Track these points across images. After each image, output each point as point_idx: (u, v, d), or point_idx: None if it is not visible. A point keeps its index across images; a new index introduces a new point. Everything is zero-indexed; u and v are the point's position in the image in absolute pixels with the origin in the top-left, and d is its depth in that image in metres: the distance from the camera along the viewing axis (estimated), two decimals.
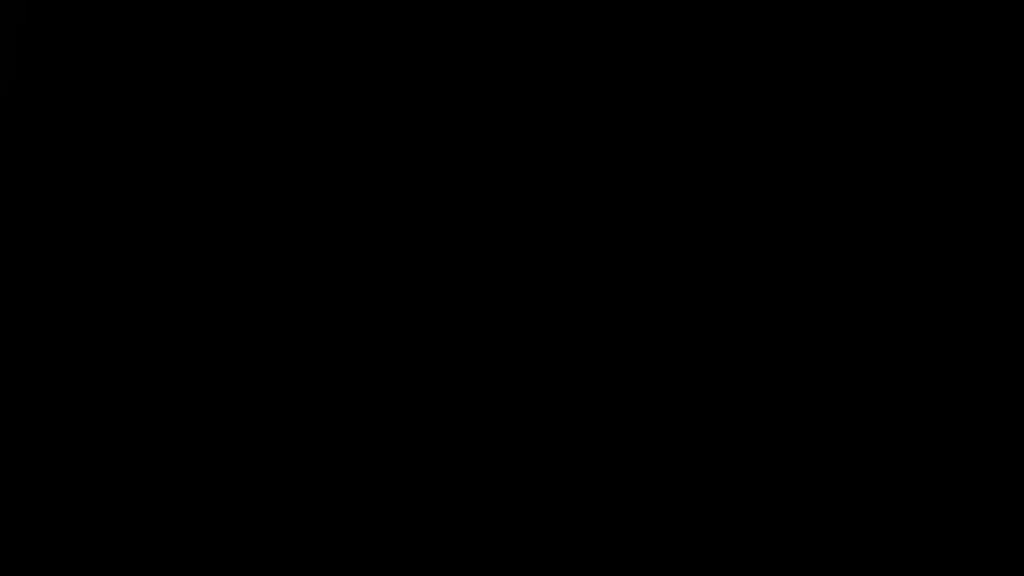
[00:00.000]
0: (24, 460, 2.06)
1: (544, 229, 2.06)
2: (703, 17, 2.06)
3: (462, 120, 2.08)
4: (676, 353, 2.03)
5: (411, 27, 2.10)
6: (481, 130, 2.08)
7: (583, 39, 2.08)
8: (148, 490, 2.05)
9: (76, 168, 2.10)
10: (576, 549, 2.01)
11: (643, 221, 2.06)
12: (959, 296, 2.01)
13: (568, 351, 2.04)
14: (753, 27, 2.06)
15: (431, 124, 2.09)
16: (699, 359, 2.03)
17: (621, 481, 2.02)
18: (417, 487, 2.04)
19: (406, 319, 2.06)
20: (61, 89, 2.12)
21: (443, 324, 2.06)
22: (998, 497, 1.98)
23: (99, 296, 2.08)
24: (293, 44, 2.10)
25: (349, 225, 2.08)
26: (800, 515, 1.99)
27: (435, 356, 2.05)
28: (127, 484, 2.05)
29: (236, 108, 2.10)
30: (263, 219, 2.08)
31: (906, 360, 2.01)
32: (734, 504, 2.00)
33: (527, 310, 2.05)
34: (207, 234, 2.08)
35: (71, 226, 2.09)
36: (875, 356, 2.01)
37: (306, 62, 2.10)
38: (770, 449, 2.01)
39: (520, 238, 2.06)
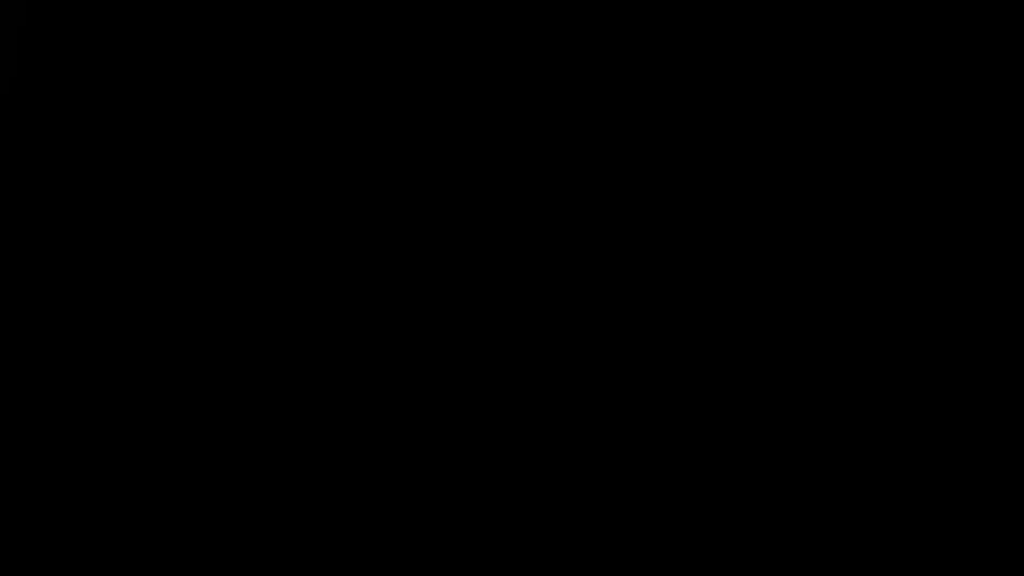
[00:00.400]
0: (24, 460, 2.06)
1: (544, 229, 2.06)
2: (703, 17, 2.06)
3: (462, 120, 2.08)
4: (676, 353, 2.03)
5: (411, 27, 2.10)
6: (481, 130, 2.08)
7: (583, 39, 2.08)
8: (148, 490, 2.05)
9: (76, 168, 2.10)
10: (576, 549, 2.01)
11: (643, 221, 2.06)
12: (959, 296, 2.01)
13: (568, 351, 2.04)
14: (753, 27, 2.06)
15: (431, 124, 2.09)
16: (699, 359, 2.03)
17: (621, 481, 2.02)
18: (417, 487, 2.04)
19: (406, 319, 2.06)
20: (61, 89, 2.12)
21: (443, 324, 2.06)
22: (998, 497, 1.98)
23: (99, 296, 2.08)
24: (293, 44, 2.10)
25: (349, 225, 2.08)
26: (800, 515, 1.99)
27: (435, 356, 2.05)
28: (127, 484, 2.05)
29: (236, 108, 2.10)
30: (263, 219, 2.08)
31: (906, 360, 2.01)
32: (734, 504, 2.00)
33: (527, 310, 2.05)
34: (207, 234, 2.08)
35: (71, 226, 2.09)
36: (875, 356, 2.01)
37: (306, 62, 2.10)
38: (770, 449, 2.01)
39: (520, 238, 2.06)
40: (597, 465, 2.03)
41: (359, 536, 2.03)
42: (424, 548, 2.03)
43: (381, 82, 2.10)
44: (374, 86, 2.10)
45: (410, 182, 2.08)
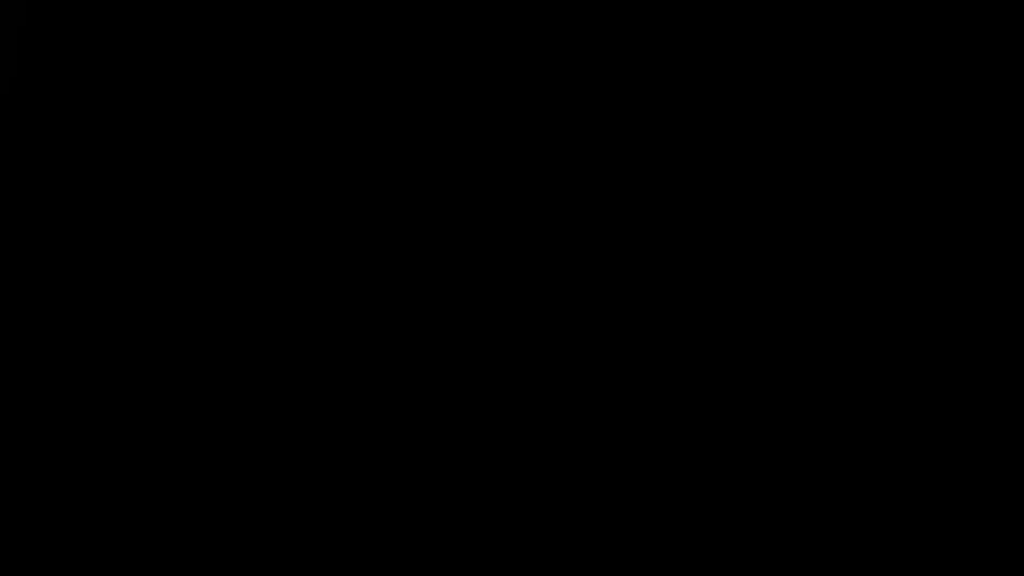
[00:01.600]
0: (24, 460, 2.06)
1: (544, 229, 2.06)
2: (703, 17, 2.07)
3: (462, 120, 2.09)
4: (676, 353, 2.03)
5: (411, 27, 2.10)
6: (481, 130, 2.08)
7: (583, 39, 2.08)
8: (148, 490, 2.05)
9: (76, 168, 2.10)
10: (576, 549, 2.01)
11: (643, 221, 2.06)
12: (959, 296, 2.01)
13: (568, 351, 2.04)
14: (753, 27, 2.06)
15: (431, 124, 2.09)
16: (699, 359, 2.03)
17: (621, 481, 2.02)
18: (417, 487, 2.04)
19: (406, 319, 2.06)
20: (61, 89, 2.12)
21: (443, 324, 2.06)
22: (998, 497, 1.98)
23: (99, 296, 2.08)
24: (293, 44, 2.10)
25: (349, 225, 2.08)
26: (800, 515, 2.00)
27: (435, 356, 2.06)
28: (127, 484, 2.05)
29: (236, 108, 2.10)
30: (263, 219, 2.08)
31: (906, 360, 2.01)
32: (734, 504, 2.00)
33: (527, 310, 2.05)
34: (207, 234, 2.08)
35: (71, 226, 2.09)
36: (875, 356, 2.01)
37: (306, 62, 2.10)
38: (770, 449, 2.01)
39: (520, 238, 2.06)
40: (597, 465, 2.03)
41: (359, 536, 2.03)
42: (424, 548, 2.03)
43: (381, 82, 2.10)
44: (374, 86, 2.10)
45: (409, 182, 2.08)
